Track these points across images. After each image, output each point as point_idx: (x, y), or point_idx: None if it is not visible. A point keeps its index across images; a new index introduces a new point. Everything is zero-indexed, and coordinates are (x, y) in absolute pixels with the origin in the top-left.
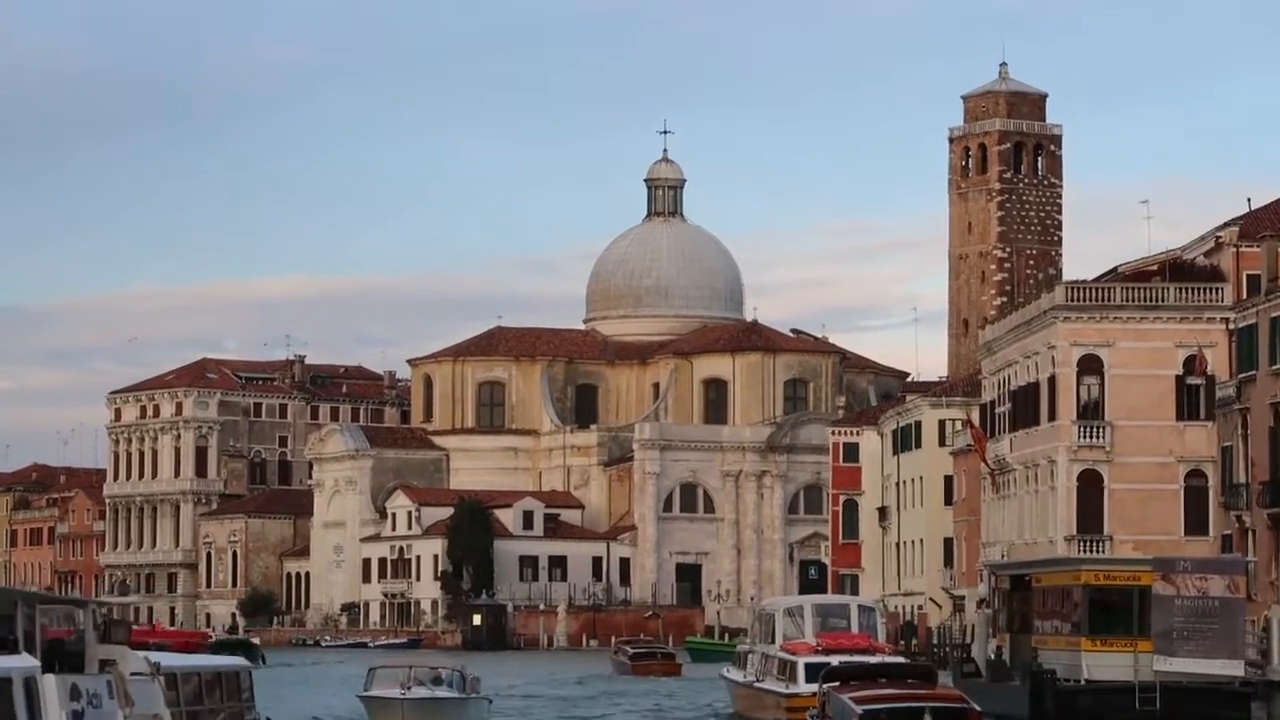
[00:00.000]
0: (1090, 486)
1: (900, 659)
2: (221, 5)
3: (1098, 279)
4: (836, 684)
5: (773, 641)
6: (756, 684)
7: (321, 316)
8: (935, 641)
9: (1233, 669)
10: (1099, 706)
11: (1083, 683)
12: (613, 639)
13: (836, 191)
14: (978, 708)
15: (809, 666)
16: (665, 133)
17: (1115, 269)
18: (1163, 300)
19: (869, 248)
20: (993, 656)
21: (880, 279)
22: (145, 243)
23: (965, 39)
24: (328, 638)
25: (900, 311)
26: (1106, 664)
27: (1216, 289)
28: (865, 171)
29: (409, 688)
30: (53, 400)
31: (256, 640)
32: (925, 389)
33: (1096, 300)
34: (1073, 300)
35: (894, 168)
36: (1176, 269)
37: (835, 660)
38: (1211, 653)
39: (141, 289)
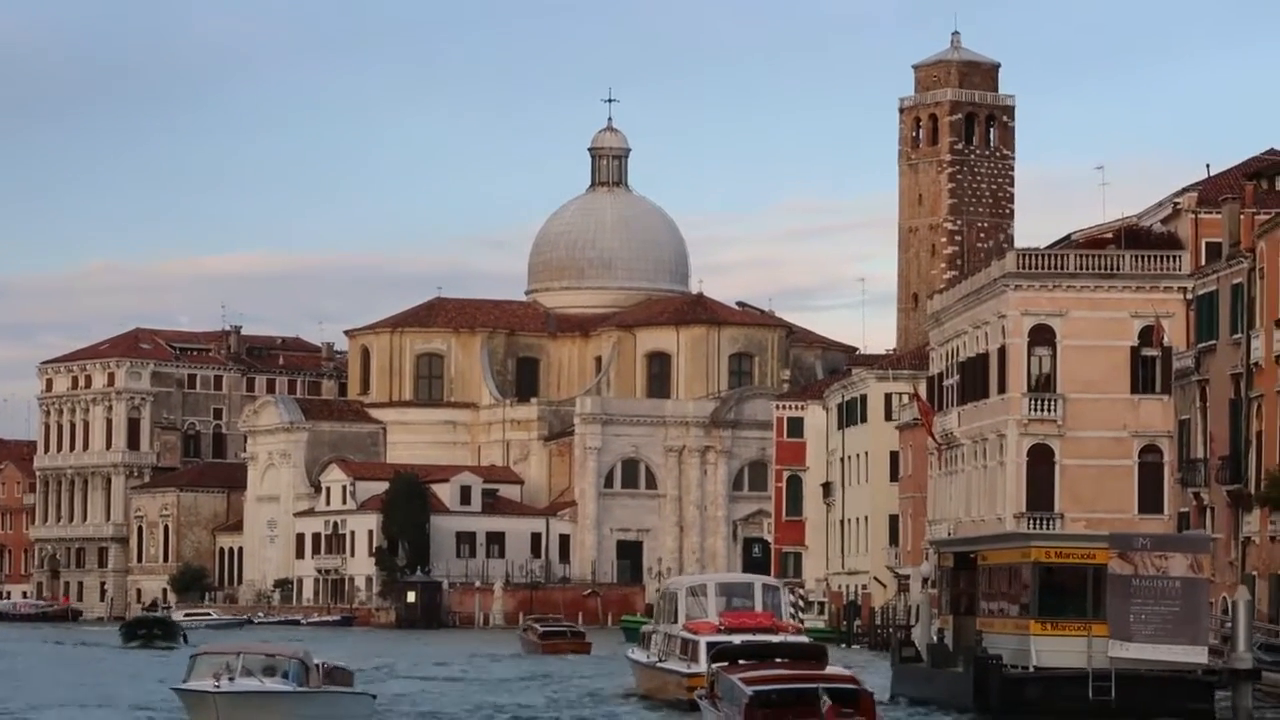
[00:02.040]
0: (1041, 462)
1: (803, 639)
2: None
3: (1051, 246)
4: (725, 664)
5: (675, 621)
6: (659, 664)
7: (271, 294)
8: (879, 622)
9: (1195, 656)
10: (1049, 696)
11: (1031, 669)
12: (522, 617)
13: (786, 168)
14: (870, 689)
15: (710, 646)
16: (610, 101)
17: (1069, 236)
18: (1118, 268)
19: (818, 227)
20: (935, 640)
21: (830, 258)
22: (94, 220)
23: (917, 8)
24: (260, 615)
25: (850, 291)
26: (1057, 649)
27: (1174, 257)
28: (815, 147)
29: (230, 678)
30: None
31: (180, 616)
32: (872, 362)
33: (1049, 268)
34: (1024, 268)
35: (845, 144)
36: (1132, 236)
37: (738, 640)
38: (1172, 638)
39: (90, 265)
